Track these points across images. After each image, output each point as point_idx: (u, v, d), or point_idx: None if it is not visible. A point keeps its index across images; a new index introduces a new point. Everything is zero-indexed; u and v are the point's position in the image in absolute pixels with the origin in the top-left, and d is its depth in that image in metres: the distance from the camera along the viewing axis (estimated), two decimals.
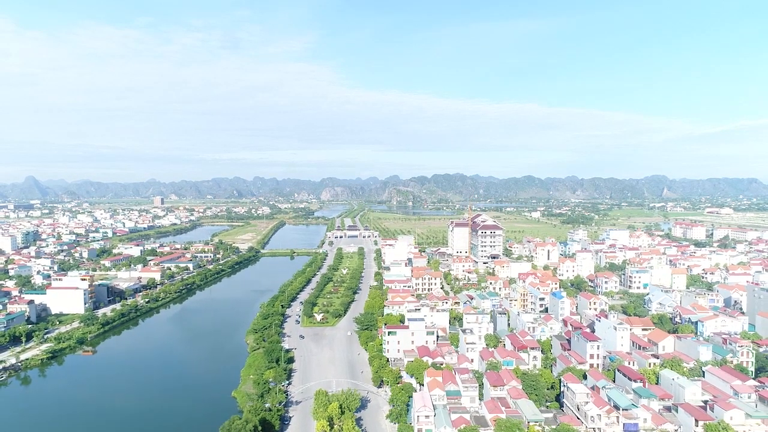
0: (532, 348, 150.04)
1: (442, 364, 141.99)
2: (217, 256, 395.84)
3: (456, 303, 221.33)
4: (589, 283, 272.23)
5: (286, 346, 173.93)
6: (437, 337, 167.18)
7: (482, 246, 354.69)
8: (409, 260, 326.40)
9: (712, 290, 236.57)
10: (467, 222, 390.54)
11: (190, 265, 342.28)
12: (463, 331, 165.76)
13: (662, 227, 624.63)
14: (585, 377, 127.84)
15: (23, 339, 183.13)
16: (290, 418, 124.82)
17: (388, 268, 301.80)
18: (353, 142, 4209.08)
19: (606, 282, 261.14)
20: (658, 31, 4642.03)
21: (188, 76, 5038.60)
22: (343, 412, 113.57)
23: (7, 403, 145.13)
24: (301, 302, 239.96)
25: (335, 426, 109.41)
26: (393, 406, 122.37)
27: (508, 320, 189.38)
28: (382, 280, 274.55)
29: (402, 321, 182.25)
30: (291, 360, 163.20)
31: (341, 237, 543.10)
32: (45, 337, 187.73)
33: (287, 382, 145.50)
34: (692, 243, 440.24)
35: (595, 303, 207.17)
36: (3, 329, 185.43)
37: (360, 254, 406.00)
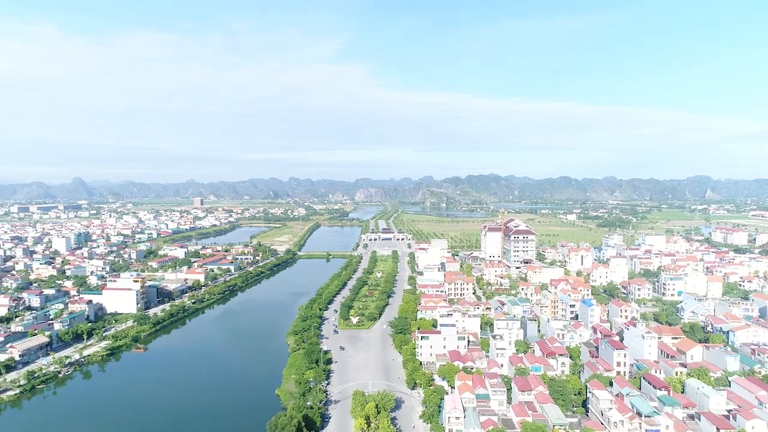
0: (561, 354, 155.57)
1: (472, 369, 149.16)
2: (257, 258, 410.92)
3: (487, 308, 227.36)
4: (622, 290, 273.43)
5: (324, 347, 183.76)
6: (468, 342, 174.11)
7: (515, 251, 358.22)
8: (442, 265, 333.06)
9: (748, 299, 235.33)
10: (500, 226, 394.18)
11: (232, 267, 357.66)
12: (494, 336, 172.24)
13: (702, 231, 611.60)
14: (611, 384, 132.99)
15: (84, 336, 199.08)
16: (330, 416, 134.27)
17: (421, 273, 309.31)
18: (387, 143, 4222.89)
19: (639, 289, 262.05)
20: (700, 26, 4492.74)
21: (225, 78, 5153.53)
22: (379, 412, 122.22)
23: (72, 395, 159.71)
24: (337, 306, 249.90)
25: (372, 424, 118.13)
26: (426, 407, 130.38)
27: (539, 326, 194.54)
28: (415, 285, 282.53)
29: (434, 325, 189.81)
30: (329, 361, 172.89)
31: (375, 240, 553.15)
32: (104, 335, 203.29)
33: (326, 382, 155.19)
34: (732, 249, 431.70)
35: (626, 311, 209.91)
36: (67, 327, 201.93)
37: (394, 257, 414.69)
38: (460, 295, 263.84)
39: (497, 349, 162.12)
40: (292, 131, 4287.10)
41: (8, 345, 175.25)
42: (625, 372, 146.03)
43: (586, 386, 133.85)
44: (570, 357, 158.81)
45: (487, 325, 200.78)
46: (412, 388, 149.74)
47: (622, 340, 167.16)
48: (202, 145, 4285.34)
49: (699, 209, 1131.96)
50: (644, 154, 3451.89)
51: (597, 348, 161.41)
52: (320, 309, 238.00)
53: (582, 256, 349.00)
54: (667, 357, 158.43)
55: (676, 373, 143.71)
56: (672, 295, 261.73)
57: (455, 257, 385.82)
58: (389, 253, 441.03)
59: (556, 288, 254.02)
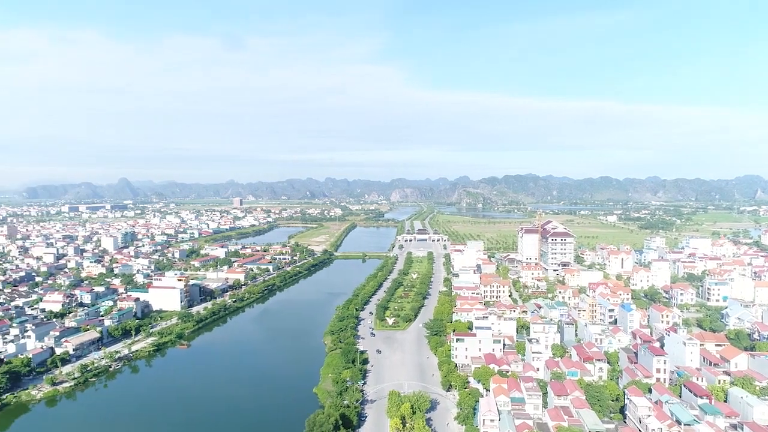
0: (598, 360, 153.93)
1: (507, 372, 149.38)
2: (294, 258, 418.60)
3: (524, 311, 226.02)
4: (664, 295, 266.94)
5: (360, 348, 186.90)
6: (504, 345, 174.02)
7: (552, 253, 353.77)
8: (478, 267, 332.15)
9: None
10: (537, 228, 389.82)
11: (270, 267, 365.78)
12: (530, 340, 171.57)
13: (751, 234, 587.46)
14: (650, 391, 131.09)
15: (132, 333, 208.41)
16: (366, 415, 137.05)
17: (456, 275, 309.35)
18: (423, 143, 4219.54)
19: (682, 294, 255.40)
20: (747, 17, 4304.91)
21: (263, 80, 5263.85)
22: (414, 413, 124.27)
23: (121, 389, 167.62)
24: (373, 307, 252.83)
25: (407, 425, 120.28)
26: (460, 409, 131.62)
27: (576, 331, 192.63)
28: (451, 286, 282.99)
29: (470, 328, 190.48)
30: (365, 361, 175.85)
31: (411, 240, 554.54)
32: (150, 331, 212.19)
33: (362, 381, 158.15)
34: None
35: (667, 316, 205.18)
36: (116, 323, 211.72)
37: (429, 259, 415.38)
38: (496, 297, 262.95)
39: (533, 352, 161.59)
40: (328, 132, 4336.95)
41: (63, 339, 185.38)
42: (665, 379, 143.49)
43: (624, 392, 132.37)
44: (608, 362, 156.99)
45: (523, 328, 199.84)
46: (447, 390, 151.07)
47: (662, 346, 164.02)
48: (241, 146, 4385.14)
49: (748, 211, 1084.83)
50: (690, 152, 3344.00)
51: (636, 354, 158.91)
52: (356, 309, 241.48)
53: (622, 259, 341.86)
54: (710, 365, 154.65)
55: (719, 381, 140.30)
56: (717, 300, 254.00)
57: (491, 259, 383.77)
58: (425, 254, 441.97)
59: (594, 292, 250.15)
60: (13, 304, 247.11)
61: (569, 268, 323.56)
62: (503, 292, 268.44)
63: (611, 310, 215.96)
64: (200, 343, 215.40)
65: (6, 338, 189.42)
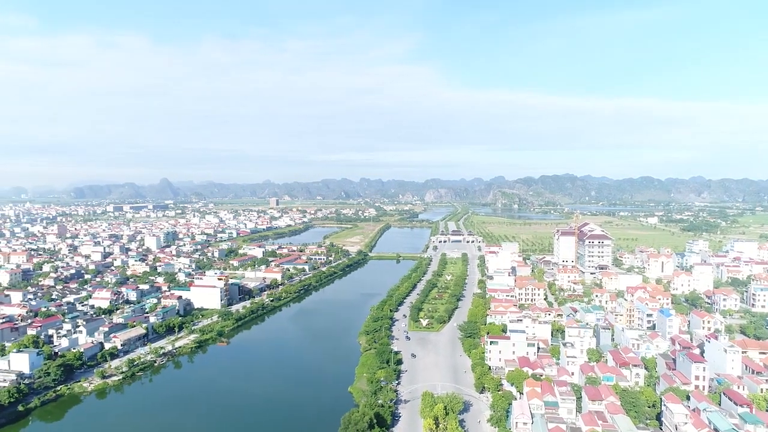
0: (635, 365, 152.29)
1: (541, 376, 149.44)
2: (329, 258, 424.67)
3: (559, 315, 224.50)
4: (706, 300, 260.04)
5: (394, 348, 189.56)
6: (538, 348, 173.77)
7: (589, 256, 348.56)
8: (513, 269, 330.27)
9: None
10: (574, 231, 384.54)
11: (306, 267, 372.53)
12: (565, 344, 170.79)
13: None
14: (688, 398, 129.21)
15: (176, 329, 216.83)
16: (400, 415, 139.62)
17: (491, 277, 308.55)
18: (457, 143, 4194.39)
19: (724, 299, 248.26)
20: None
21: (298, 81, 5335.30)
22: (447, 413, 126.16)
23: (166, 383, 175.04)
24: (407, 308, 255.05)
25: (440, 425, 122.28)
26: (493, 411, 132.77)
27: (612, 335, 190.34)
28: (485, 289, 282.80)
29: (504, 331, 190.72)
30: (399, 362, 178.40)
31: (445, 242, 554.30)
32: (192, 328, 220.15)
33: (396, 382, 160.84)
34: None
35: (708, 322, 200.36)
36: (160, 320, 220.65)
37: (464, 260, 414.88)
38: (531, 300, 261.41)
39: (568, 357, 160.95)
40: (362, 132, 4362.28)
41: (112, 335, 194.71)
42: (703, 386, 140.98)
43: (660, 399, 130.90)
44: (645, 368, 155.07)
45: (558, 332, 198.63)
46: (481, 392, 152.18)
47: (702, 353, 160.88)
48: (277, 147, 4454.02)
49: None
50: (737, 152, 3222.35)
51: (674, 360, 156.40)
52: (391, 310, 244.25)
53: (662, 263, 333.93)
54: (753, 373, 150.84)
55: (761, 390, 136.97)
56: (762, 306, 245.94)
57: (526, 261, 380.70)
58: (459, 255, 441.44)
59: (632, 296, 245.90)
60: (65, 300, 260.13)
61: (607, 272, 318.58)
62: (538, 295, 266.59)
63: (649, 315, 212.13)
64: (239, 341, 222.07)
65: (60, 333, 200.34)
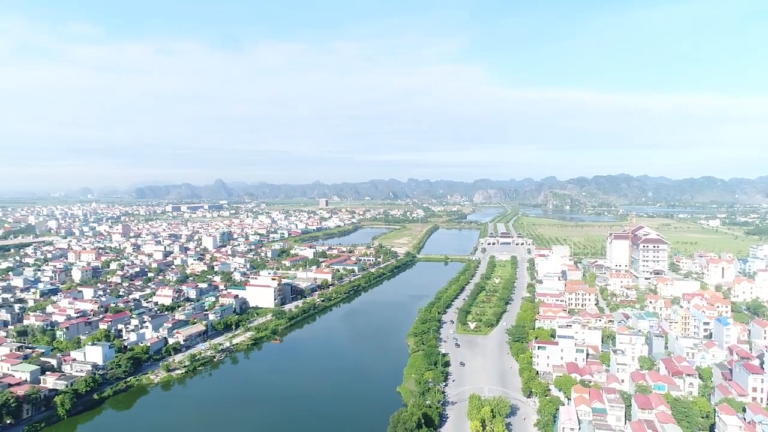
0: (688, 375, 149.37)
1: (590, 382, 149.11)
2: (378, 259, 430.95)
3: (610, 321, 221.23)
4: None
5: (442, 350, 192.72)
6: (587, 354, 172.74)
7: (644, 261, 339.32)
8: (563, 273, 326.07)
9: None
10: (627, 234, 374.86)
11: (356, 268, 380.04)
12: (615, 351, 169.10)
13: None
14: (744, 410, 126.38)
15: (233, 327, 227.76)
16: (447, 416, 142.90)
17: (540, 281, 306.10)
18: (508, 142, 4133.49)
19: None
20: None
21: (347, 82, 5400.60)
22: (494, 416, 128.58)
23: (224, 377, 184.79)
24: (455, 311, 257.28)
25: (487, 428, 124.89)
26: (540, 416, 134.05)
27: (666, 343, 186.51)
28: (534, 293, 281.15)
29: (553, 336, 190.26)
30: (447, 364, 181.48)
31: (494, 244, 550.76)
32: (248, 326, 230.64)
33: (444, 383, 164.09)
34: None
35: None
36: (219, 318, 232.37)
37: (513, 263, 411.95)
38: (581, 305, 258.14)
39: (618, 364, 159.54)
40: (411, 132, 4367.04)
41: (175, 331, 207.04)
42: (762, 399, 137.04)
43: (714, 410, 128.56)
44: (699, 378, 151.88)
45: (608, 338, 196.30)
46: (528, 397, 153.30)
47: (762, 364, 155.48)
48: (326, 148, 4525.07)
49: None
50: None
51: (731, 371, 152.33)
52: (439, 313, 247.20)
53: (723, 269, 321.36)
54: None
55: None
56: None
57: (577, 265, 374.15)
58: (508, 258, 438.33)
59: (688, 303, 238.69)
60: (131, 297, 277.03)
61: (662, 277, 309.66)
62: (589, 300, 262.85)
63: (706, 324, 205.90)
64: (292, 339, 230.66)
65: (128, 328, 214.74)
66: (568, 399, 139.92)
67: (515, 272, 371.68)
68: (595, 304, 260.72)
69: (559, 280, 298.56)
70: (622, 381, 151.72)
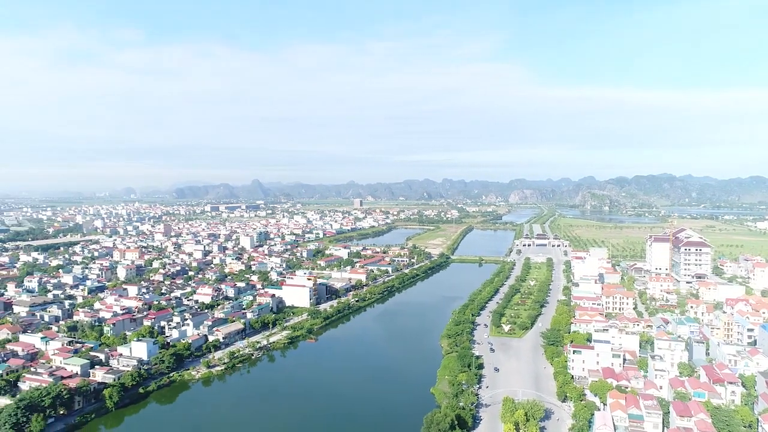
0: (730, 382, 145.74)
1: (626, 388, 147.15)
2: (412, 260, 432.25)
3: (648, 326, 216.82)
4: None
5: (476, 352, 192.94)
6: (624, 360, 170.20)
7: (685, 264, 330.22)
8: (600, 276, 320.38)
9: None
10: (668, 237, 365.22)
11: (389, 269, 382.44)
12: (653, 356, 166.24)
13: None
14: None
15: (270, 326, 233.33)
16: (480, 418, 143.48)
17: (576, 284, 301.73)
18: (544, 141, 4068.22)
19: None
20: None
21: (382, 83, 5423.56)
22: (528, 420, 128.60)
23: (261, 374, 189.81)
24: (489, 313, 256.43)
25: (521, 431, 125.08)
26: (575, 421, 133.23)
27: (707, 350, 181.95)
28: (570, 296, 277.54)
29: (589, 340, 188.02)
30: (480, 366, 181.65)
31: (529, 245, 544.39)
32: (284, 325, 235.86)
33: (477, 386, 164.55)
34: None
35: None
36: (256, 317, 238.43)
37: (548, 265, 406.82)
38: (619, 309, 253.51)
39: (656, 370, 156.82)
40: (446, 132, 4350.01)
41: (215, 329, 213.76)
42: None
43: (757, 419, 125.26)
44: (742, 386, 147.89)
45: (647, 343, 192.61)
46: (563, 401, 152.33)
47: None
48: (361, 148, 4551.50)
49: None
50: None
51: None
52: (472, 315, 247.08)
53: None
54: None
55: None
56: None
57: (616, 268, 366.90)
58: (543, 260, 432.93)
59: (732, 308, 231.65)
60: (172, 295, 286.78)
61: (705, 281, 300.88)
62: (627, 304, 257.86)
63: (750, 330, 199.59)
64: (327, 338, 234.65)
65: (170, 325, 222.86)
66: (604, 404, 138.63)
67: (551, 274, 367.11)
68: (633, 308, 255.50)
69: (596, 283, 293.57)
70: (660, 387, 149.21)
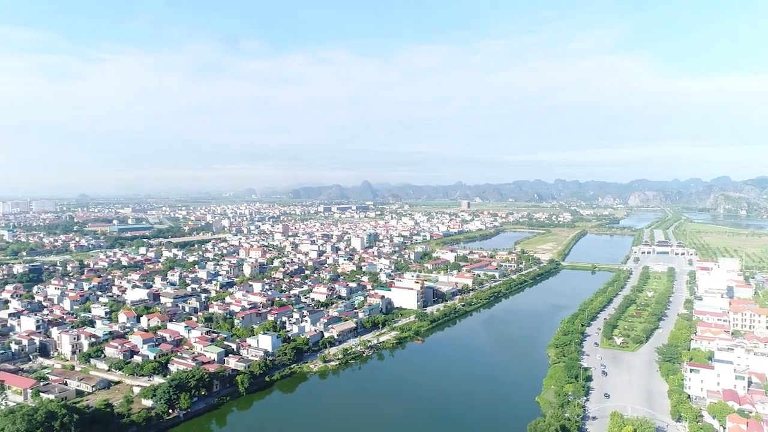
0: None
1: (750, 413, 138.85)
2: (520, 266, 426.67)
3: None
4: None
5: (584, 364, 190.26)
6: (749, 382, 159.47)
7: None
8: (730, 289, 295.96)
9: None
10: None
11: (497, 274, 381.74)
12: None
13: None
14: None
15: (380, 326, 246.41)
16: (586, 430, 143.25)
17: (700, 298, 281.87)
18: (669, 138, 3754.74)
19: None
20: None
21: (492, 81, 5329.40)
22: None
23: (371, 372, 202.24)
24: (600, 324, 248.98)
25: None
26: None
27: None
28: (692, 310, 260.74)
29: (710, 359, 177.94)
30: (589, 378, 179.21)
31: (649, 253, 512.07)
32: (393, 326, 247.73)
33: (584, 398, 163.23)
34: None
35: None
36: (367, 316, 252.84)
37: (669, 275, 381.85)
38: (749, 327, 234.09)
39: None
40: (558, 130, 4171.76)
41: (330, 326, 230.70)
42: None
43: None
44: None
45: None
46: (677, 421, 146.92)
47: None
48: (470, 148, 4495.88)
49: None
50: None
51: None
52: (582, 325, 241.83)
53: None
54: None
55: None
56: None
57: (749, 281, 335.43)
58: (664, 269, 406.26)
59: None
60: (291, 292, 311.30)
61: None
62: (759, 322, 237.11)
63: None
64: (433, 340, 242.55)
65: (291, 320, 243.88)
66: (723, 428, 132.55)
67: (672, 286, 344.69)
68: (767, 328, 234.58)
69: (723, 297, 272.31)
70: None
